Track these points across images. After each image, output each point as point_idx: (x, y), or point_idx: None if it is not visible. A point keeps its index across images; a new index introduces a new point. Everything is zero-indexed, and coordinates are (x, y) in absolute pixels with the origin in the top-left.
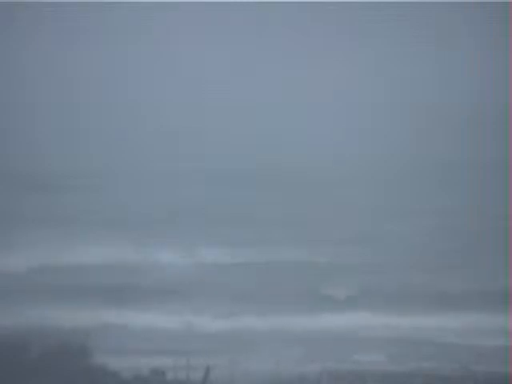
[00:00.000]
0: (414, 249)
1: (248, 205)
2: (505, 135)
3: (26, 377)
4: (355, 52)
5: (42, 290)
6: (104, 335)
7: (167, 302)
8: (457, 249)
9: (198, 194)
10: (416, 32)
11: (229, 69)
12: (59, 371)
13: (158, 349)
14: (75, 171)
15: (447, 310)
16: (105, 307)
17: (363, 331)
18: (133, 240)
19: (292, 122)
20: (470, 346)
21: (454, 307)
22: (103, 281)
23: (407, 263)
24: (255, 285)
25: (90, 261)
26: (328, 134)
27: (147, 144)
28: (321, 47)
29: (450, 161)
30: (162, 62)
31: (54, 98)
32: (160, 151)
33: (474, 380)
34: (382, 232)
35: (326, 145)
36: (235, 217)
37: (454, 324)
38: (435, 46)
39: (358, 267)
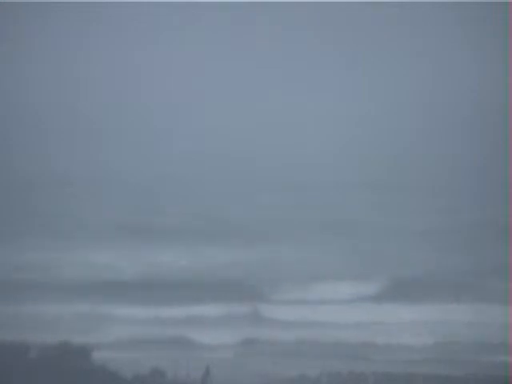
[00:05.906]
0: (413, 247)
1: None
2: (505, 135)
3: (26, 377)
4: (355, 52)
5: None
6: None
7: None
8: (456, 248)
9: (197, 196)
10: (416, 32)
11: (228, 71)
12: (59, 371)
13: (158, 349)
14: (76, 172)
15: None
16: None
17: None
18: (133, 243)
19: (292, 122)
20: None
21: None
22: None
23: (406, 262)
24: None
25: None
26: (328, 135)
27: (146, 144)
28: (321, 47)
29: (450, 160)
30: (163, 62)
31: (54, 98)
32: (159, 152)
33: (474, 380)
34: (381, 232)
35: (326, 145)
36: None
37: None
38: (435, 45)
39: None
